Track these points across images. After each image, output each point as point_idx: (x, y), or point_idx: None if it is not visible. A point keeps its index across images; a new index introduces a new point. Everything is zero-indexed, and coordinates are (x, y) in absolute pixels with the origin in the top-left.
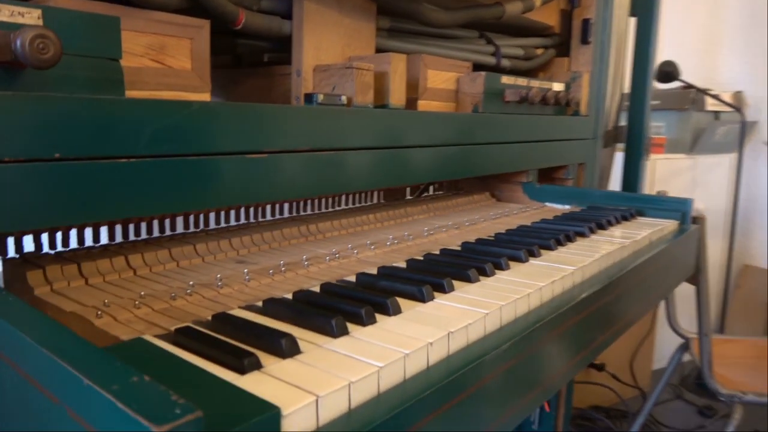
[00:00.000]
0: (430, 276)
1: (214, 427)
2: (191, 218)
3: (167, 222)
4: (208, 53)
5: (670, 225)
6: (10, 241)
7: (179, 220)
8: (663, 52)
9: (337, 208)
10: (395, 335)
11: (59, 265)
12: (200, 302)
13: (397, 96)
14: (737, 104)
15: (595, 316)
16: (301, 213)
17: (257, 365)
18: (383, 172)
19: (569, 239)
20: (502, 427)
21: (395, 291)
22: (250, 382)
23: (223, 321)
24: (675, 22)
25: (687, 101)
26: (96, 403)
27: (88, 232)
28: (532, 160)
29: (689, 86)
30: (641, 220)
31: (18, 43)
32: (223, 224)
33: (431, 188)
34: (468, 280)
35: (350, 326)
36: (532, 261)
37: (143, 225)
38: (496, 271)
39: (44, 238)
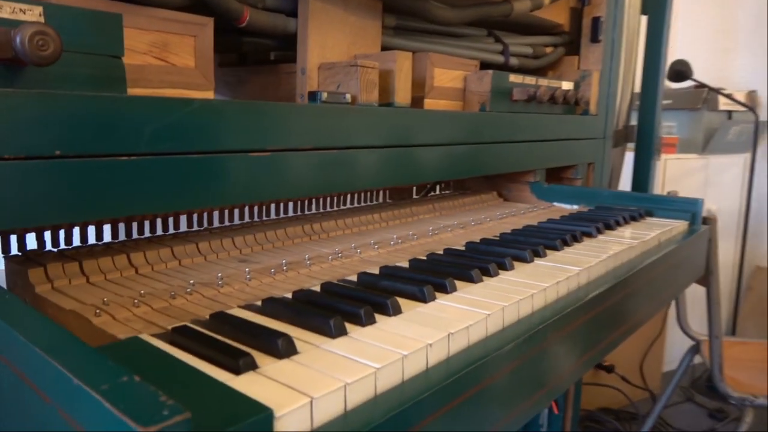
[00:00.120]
0: (432, 276)
1: (204, 428)
2: (195, 217)
3: (171, 220)
4: (212, 51)
5: (679, 226)
6: (13, 239)
7: (183, 219)
8: (675, 50)
9: (342, 208)
10: (394, 336)
11: (60, 263)
12: (200, 301)
13: (402, 94)
14: (751, 104)
15: (601, 317)
16: (306, 212)
17: (252, 365)
18: (387, 171)
19: (576, 239)
20: (505, 428)
21: (396, 291)
22: (244, 383)
23: (221, 320)
24: (688, 20)
25: (699, 101)
26: (85, 403)
27: (91, 230)
28: (540, 159)
29: (702, 85)
30: (650, 220)
31: (18, 40)
32: (226, 223)
33: (438, 188)
34: (471, 280)
35: (349, 326)
36: (537, 261)
37: (146, 223)
38: (500, 271)
39: (47, 236)
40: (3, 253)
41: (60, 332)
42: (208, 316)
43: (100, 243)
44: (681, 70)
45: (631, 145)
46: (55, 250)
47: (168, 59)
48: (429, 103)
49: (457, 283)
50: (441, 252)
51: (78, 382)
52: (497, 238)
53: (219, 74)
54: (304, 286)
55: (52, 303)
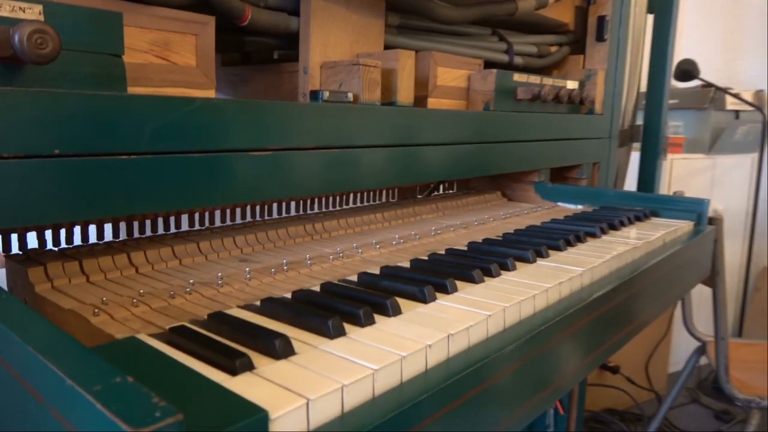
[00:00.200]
0: (433, 276)
1: (198, 430)
2: (196, 216)
3: (172, 219)
4: (213, 50)
5: (684, 226)
6: (14, 238)
7: (184, 218)
8: (682, 49)
9: (345, 207)
10: (393, 337)
11: (60, 262)
12: (199, 301)
13: (405, 93)
14: (758, 103)
15: (604, 318)
16: (308, 212)
17: (249, 366)
18: (390, 171)
19: (579, 240)
20: (507, 429)
21: (396, 291)
22: (240, 384)
23: (219, 320)
24: (694, 19)
25: (706, 100)
26: (77, 404)
27: (93, 229)
28: (544, 159)
29: (709, 85)
30: (655, 220)
31: (16, 38)
32: (228, 222)
33: (441, 187)
34: (472, 280)
35: (348, 327)
36: (540, 262)
37: (148, 222)
38: (502, 271)
39: (48, 235)
40: (4, 251)
41: (55, 332)
42: (206, 316)
43: (101, 242)
44: (688, 70)
45: (636, 145)
46: (56, 249)
47: (169, 58)
48: (432, 103)
49: (458, 283)
50: (443, 252)
51: (71, 383)
52: (500, 239)
53: (221, 73)
54: (304, 285)
55: (52, 302)
